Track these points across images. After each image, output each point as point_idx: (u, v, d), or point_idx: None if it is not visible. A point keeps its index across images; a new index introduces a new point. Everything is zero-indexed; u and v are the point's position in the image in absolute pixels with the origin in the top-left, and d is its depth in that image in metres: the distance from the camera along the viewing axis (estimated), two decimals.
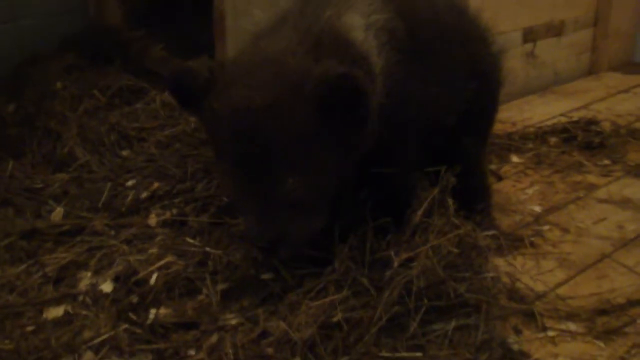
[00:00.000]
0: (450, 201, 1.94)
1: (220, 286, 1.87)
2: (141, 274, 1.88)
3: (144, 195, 2.31)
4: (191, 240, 2.01)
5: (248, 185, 1.73)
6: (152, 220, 2.21)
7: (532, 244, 2.27)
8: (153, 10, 3.54)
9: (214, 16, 2.61)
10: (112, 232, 2.17)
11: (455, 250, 1.81)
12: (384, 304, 1.67)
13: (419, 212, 1.87)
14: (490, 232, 2.11)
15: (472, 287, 1.80)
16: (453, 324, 1.72)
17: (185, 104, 1.85)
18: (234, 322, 1.75)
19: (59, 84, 2.92)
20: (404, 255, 1.77)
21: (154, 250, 2.02)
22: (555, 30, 3.81)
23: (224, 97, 1.70)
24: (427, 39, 1.99)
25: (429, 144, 2.04)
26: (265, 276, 1.88)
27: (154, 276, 1.86)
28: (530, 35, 3.66)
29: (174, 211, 2.21)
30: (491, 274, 1.88)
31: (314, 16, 1.85)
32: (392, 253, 1.79)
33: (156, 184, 2.33)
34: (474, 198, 2.28)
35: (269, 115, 1.64)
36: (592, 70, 4.13)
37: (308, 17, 1.86)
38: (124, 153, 2.55)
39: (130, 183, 2.39)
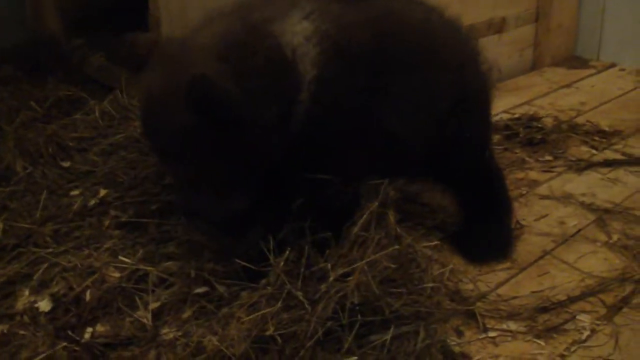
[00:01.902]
0: (391, 214, 1.93)
1: (156, 303, 1.85)
2: (76, 290, 1.84)
3: (92, 202, 2.27)
4: (124, 259, 1.97)
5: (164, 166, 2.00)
6: (102, 226, 2.18)
7: None
8: (91, 19, 3.49)
9: (149, 23, 2.58)
10: (55, 245, 2.13)
11: (392, 265, 1.80)
12: (318, 318, 1.65)
13: (357, 226, 1.86)
14: (433, 243, 2.10)
15: (409, 300, 1.78)
16: (391, 333, 1.70)
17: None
18: (170, 336, 1.73)
19: None
20: (340, 270, 1.76)
21: (95, 264, 1.99)
22: (497, 27, 3.84)
23: (144, 77, 1.84)
24: (397, 56, 1.95)
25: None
26: (199, 290, 1.86)
27: (88, 292, 1.83)
28: (471, 33, 3.68)
29: (126, 216, 2.18)
30: (430, 285, 1.86)
31: (240, 18, 1.88)
32: (329, 266, 1.78)
33: (103, 191, 2.29)
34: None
35: (159, 106, 1.77)
36: (535, 66, 4.17)
37: (233, 18, 1.88)
38: (65, 164, 2.50)
39: (75, 192, 2.35)
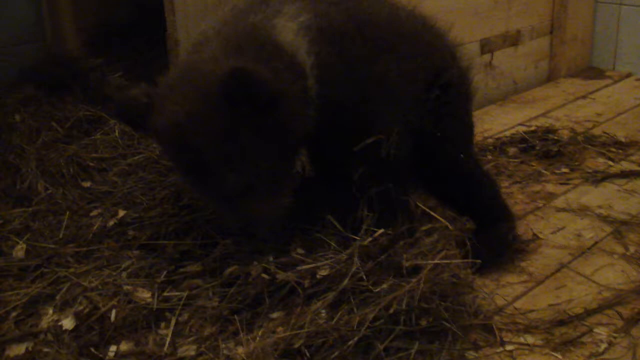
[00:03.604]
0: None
1: (180, 317, 1.88)
2: (102, 310, 1.88)
3: (111, 223, 2.30)
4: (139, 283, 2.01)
5: (201, 187, 1.93)
6: (119, 248, 2.20)
7: None
8: (111, 39, 3.55)
9: (168, 44, 2.62)
10: (76, 265, 2.16)
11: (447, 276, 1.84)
12: (358, 324, 1.69)
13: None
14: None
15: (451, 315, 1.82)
16: (416, 347, 1.73)
17: (138, 129, 2.07)
18: (193, 352, 1.76)
19: (17, 117, 2.91)
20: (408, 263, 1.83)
21: (118, 281, 2.02)
22: (512, 39, 3.86)
23: (158, 116, 1.86)
24: (373, 42, 2.05)
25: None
26: (222, 305, 1.88)
27: (113, 312, 1.86)
28: (487, 47, 3.71)
29: (144, 237, 2.21)
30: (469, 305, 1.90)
31: (238, 24, 1.98)
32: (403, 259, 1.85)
33: (122, 212, 2.32)
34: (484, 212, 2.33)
35: (192, 124, 1.80)
36: (551, 78, 4.18)
37: (232, 26, 1.98)
38: (85, 184, 2.54)
39: (94, 213, 2.38)
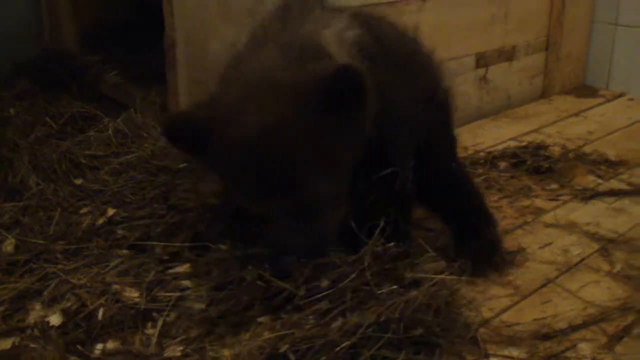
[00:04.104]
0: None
1: (167, 318, 1.89)
2: (89, 308, 1.88)
3: (100, 221, 2.30)
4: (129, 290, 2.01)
5: (279, 201, 1.76)
6: (108, 247, 2.21)
7: None
8: (108, 36, 3.56)
9: (165, 44, 2.62)
10: (65, 261, 2.17)
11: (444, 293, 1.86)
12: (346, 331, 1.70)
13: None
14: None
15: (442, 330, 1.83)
16: (402, 356, 1.74)
17: (187, 149, 1.88)
18: (179, 353, 1.76)
19: (11, 111, 2.92)
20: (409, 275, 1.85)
21: (107, 279, 2.03)
22: (507, 55, 3.89)
23: (232, 129, 1.72)
24: (392, 61, 2.05)
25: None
26: (210, 309, 1.89)
27: (101, 310, 1.87)
28: (482, 61, 3.73)
29: (133, 237, 2.22)
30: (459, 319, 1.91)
31: (293, 33, 1.91)
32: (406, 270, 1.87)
33: (111, 211, 2.33)
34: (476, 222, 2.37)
35: (279, 132, 1.69)
36: (544, 94, 4.21)
37: (288, 34, 1.92)
38: (77, 181, 2.54)
39: (84, 210, 2.39)
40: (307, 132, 1.71)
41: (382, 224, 1.92)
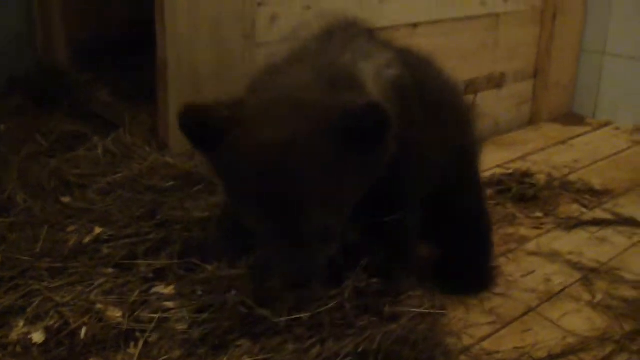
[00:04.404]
0: None
1: (150, 338, 1.89)
2: (72, 326, 1.89)
3: (87, 240, 2.31)
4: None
5: (276, 221, 1.73)
6: (93, 265, 2.22)
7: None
8: (101, 54, 3.57)
9: (157, 64, 2.65)
10: (50, 279, 2.17)
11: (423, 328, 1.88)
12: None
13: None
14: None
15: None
16: None
17: (199, 143, 1.81)
18: None
19: (2, 127, 2.94)
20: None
21: (91, 298, 2.03)
22: (496, 81, 3.93)
23: (249, 134, 1.71)
24: (427, 107, 2.05)
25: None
26: (192, 331, 1.90)
27: (84, 330, 1.88)
28: (471, 87, 3.77)
29: (119, 255, 2.22)
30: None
31: (330, 58, 1.92)
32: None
33: (98, 229, 2.34)
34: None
35: (295, 151, 1.67)
36: (532, 121, 4.26)
37: (324, 58, 1.92)
38: (65, 199, 2.55)
39: (71, 228, 2.40)
40: (322, 158, 1.69)
41: (365, 261, 1.92)
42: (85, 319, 1.92)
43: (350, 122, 1.67)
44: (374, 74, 1.92)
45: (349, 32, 2.05)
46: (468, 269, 2.38)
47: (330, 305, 1.83)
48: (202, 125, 1.74)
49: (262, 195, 1.71)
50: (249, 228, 1.85)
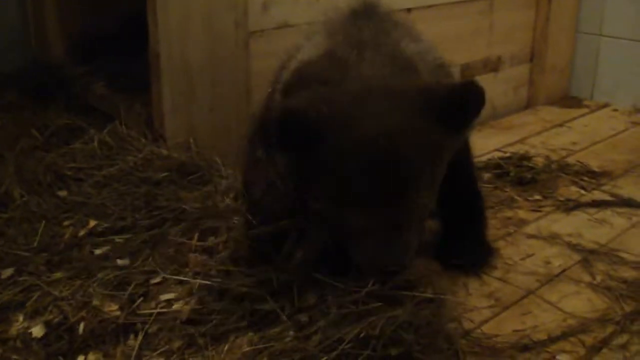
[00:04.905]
0: None
1: (150, 330, 1.90)
2: (71, 320, 1.89)
3: (82, 233, 2.31)
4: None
5: (386, 208, 1.77)
6: (90, 259, 2.22)
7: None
8: (96, 47, 3.56)
9: (149, 56, 2.64)
10: (48, 274, 2.17)
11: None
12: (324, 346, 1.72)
13: None
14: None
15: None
16: None
17: (298, 146, 1.79)
18: None
19: None
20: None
21: (89, 291, 2.03)
22: (492, 65, 3.92)
23: (353, 129, 1.74)
24: None
25: None
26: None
27: (82, 324, 1.87)
28: (467, 71, 3.76)
29: (115, 248, 2.22)
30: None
31: (392, 45, 2.02)
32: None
33: (93, 222, 2.34)
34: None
35: (404, 137, 1.74)
36: (529, 105, 4.24)
37: (386, 45, 2.00)
38: (61, 193, 2.55)
39: (67, 222, 2.40)
40: (428, 141, 1.78)
41: None
42: (84, 313, 1.93)
43: (453, 101, 1.77)
44: (423, 58, 2.03)
45: (383, 15, 2.14)
46: (468, 244, 2.40)
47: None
48: (302, 130, 1.74)
49: (372, 187, 1.74)
50: (339, 227, 1.86)
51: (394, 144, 1.72)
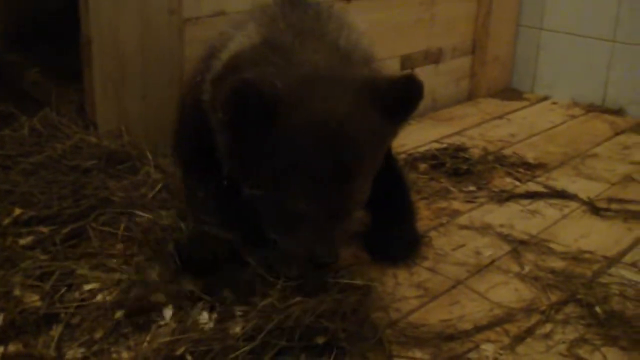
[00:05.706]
0: None
1: (72, 320, 1.87)
2: None
3: (6, 221, 2.26)
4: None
5: (329, 193, 1.81)
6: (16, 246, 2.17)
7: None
8: (27, 33, 3.49)
9: (81, 42, 2.59)
10: None
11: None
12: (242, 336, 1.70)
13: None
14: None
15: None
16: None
17: (246, 120, 1.78)
18: (80, 355, 1.75)
19: None
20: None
21: (11, 281, 1.99)
22: (433, 57, 3.93)
23: (303, 112, 1.78)
24: None
25: None
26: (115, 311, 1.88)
27: (1, 315, 1.83)
28: (408, 63, 3.77)
29: (39, 237, 2.18)
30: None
31: (333, 35, 2.07)
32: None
33: (18, 210, 2.29)
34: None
35: (351, 124, 1.80)
36: (471, 97, 4.28)
37: (327, 35, 2.06)
38: None
39: None
40: (372, 129, 1.85)
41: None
42: (4, 303, 1.88)
43: (395, 93, 1.85)
44: (357, 49, 2.07)
45: (316, 5, 2.19)
46: (396, 236, 2.39)
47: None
48: (260, 100, 1.74)
49: (320, 169, 1.78)
50: (282, 210, 1.86)
51: (343, 128, 1.78)
